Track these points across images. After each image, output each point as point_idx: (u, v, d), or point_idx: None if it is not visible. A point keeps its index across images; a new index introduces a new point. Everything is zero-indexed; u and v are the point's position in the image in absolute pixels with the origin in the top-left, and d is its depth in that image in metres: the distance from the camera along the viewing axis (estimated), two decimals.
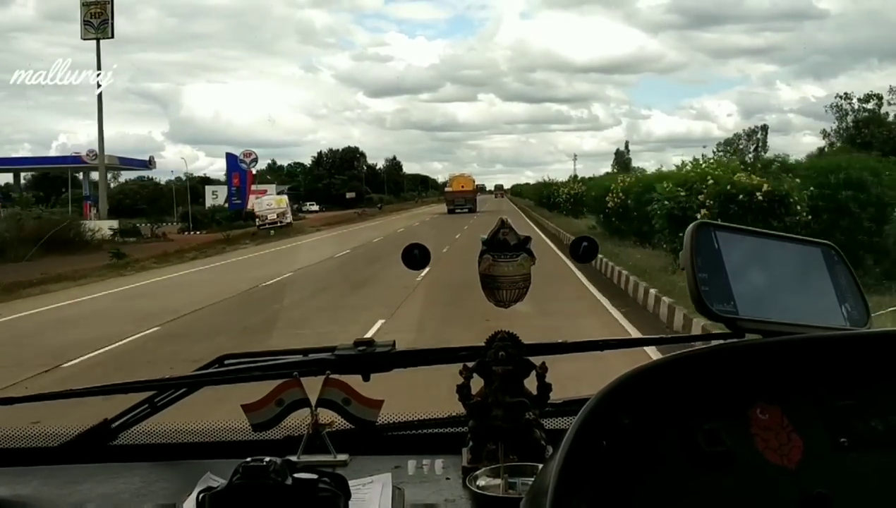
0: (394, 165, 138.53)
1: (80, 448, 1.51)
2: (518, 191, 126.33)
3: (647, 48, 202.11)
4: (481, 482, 1.20)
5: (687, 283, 0.86)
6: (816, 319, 0.92)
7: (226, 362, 1.58)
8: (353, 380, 1.45)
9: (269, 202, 45.25)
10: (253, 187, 61.03)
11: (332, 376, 1.40)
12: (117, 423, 1.52)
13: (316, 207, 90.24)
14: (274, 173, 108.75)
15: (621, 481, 0.73)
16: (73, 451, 1.51)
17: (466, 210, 61.40)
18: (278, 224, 42.89)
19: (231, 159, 53.96)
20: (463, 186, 65.73)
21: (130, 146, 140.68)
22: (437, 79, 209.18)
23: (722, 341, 0.91)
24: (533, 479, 1.16)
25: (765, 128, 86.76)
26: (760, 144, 79.41)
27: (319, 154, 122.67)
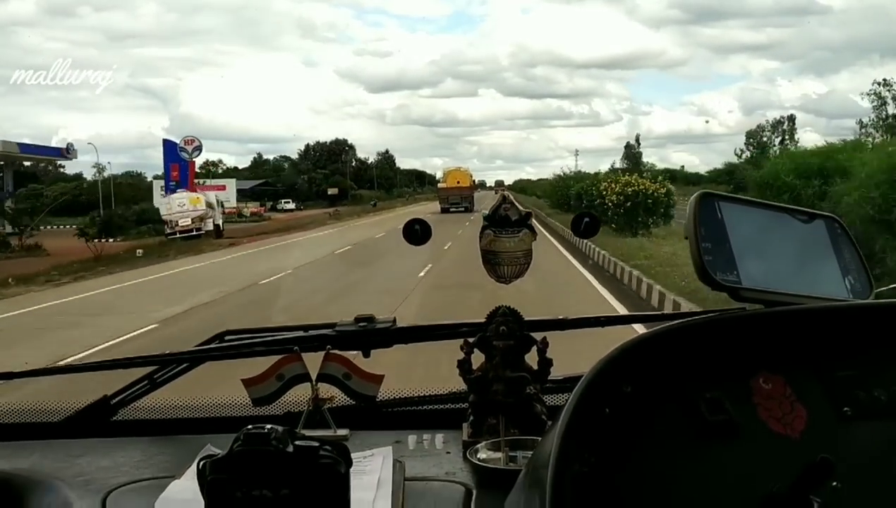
0: (386, 159, 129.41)
1: (81, 423, 1.52)
2: (522, 188, 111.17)
3: (648, 44, 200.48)
4: (482, 455, 1.20)
5: (690, 253, 0.86)
6: (819, 291, 0.92)
7: (226, 338, 1.58)
8: (354, 356, 1.45)
9: (182, 202, 34.16)
10: (208, 183, 53.60)
11: (332, 351, 1.40)
12: (117, 399, 1.53)
13: (291, 205, 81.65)
14: (259, 167, 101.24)
15: (624, 448, 0.73)
16: (73, 426, 1.51)
17: (462, 209, 53.15)
18: (193, 232, 32.87)
19: (169, 147, 43.00)
20: (458, 181, 57.21)
21: (131, 141, 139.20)
22: (437, 74, 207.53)
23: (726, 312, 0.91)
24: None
25: (792, 119, 79.53)
26: (787, 136, 73.33)
27: (307, 147, 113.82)
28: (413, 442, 1.35)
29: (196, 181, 50.97)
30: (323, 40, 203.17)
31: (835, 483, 0.73)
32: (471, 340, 1.34)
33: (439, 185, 61.40)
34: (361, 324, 1.47)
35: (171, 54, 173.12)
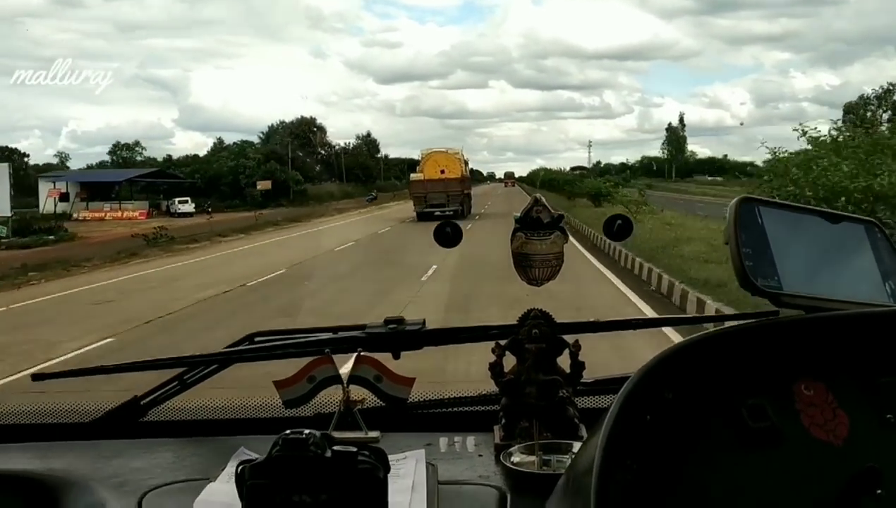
0: (367, 144, 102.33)
1: (111, 423, 1.53)
2: (551, 181, 70.54)
3: (660, 34, 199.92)
4: (516, 458, 1.20)
5: (730, 258, 0.85)
6: (860, 296, 0.91)
7: (255, 339, 1.58)
8: (383, 358, 1.45)
9: None
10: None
11: (363, 353, 1.40)
12: (147, 400, 1.54)
13: (190, 207, 55.86)
14: (220, 153, 77.56)
15: (666, 455, 0.73)
16: (104, 427, 1.52)
17: (450, 213, 32.31)
18: None
19: None
20: (443, 170, 36.26)
21: (141, 133, 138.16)
22: (447, 65, 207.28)
23: (764, 317, 0.91)
24: (567, 457, 1.16)
25: None
26: None
27: (270, 128, 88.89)
28: (444, 445, 1.35)
29: None
30: (331, 31, 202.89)
31: (878, 491, 0.72)
32: (502, 343, 1.33)
33: (413, 177, 38.56)
34: (391, 326, 1.47)
35: (180, 45, 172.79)
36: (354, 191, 76.57)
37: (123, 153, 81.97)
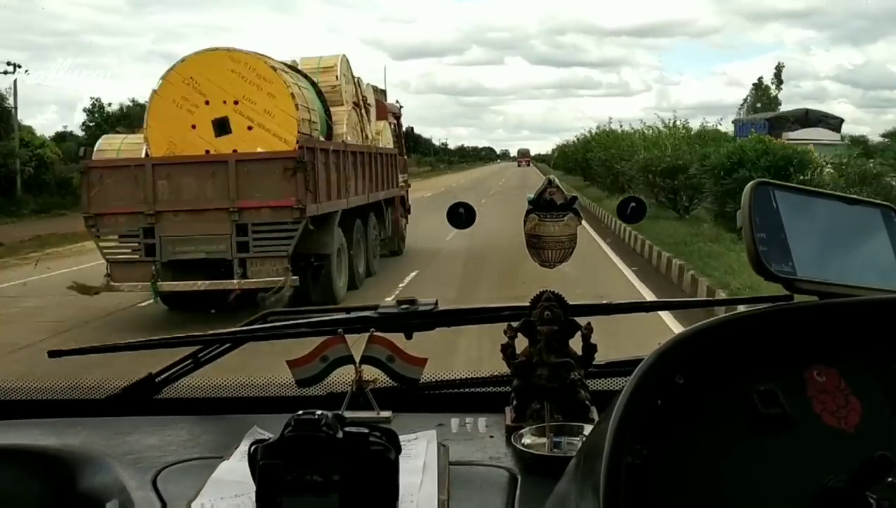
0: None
1: (126, 401, 1.54)
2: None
3: (681, 10, 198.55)
4: (526, 440, 1.20)
5: (744, 243, 0.85)
6: (875, 281, 0.90)
7: (269, 318, 1.59)
8: (396, 339, 1.45)
9: None
10: None
11: (376, 333, 1.41)
12: (161, 377, 1.55)
13: None
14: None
15: (676, 440, 0.72)
16: (119, 404, 1.54)
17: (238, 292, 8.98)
18: None
19: None
20: (224, 123, 8.85)
21: None
22: (462, 41, 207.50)
23: (777, 303, 0.90)
24: (578, 439, 1.17)
25: None
26: None
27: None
28: (456, 426, 1.35)
29: None
30: (346, 6, 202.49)
31: (890, 479, 0.72)
32: (515, 324, 1.33)
33: (100, 153, 9.70)
34: (404, 307, 1.47)
35: (194, 20, 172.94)
36: None
37: None
